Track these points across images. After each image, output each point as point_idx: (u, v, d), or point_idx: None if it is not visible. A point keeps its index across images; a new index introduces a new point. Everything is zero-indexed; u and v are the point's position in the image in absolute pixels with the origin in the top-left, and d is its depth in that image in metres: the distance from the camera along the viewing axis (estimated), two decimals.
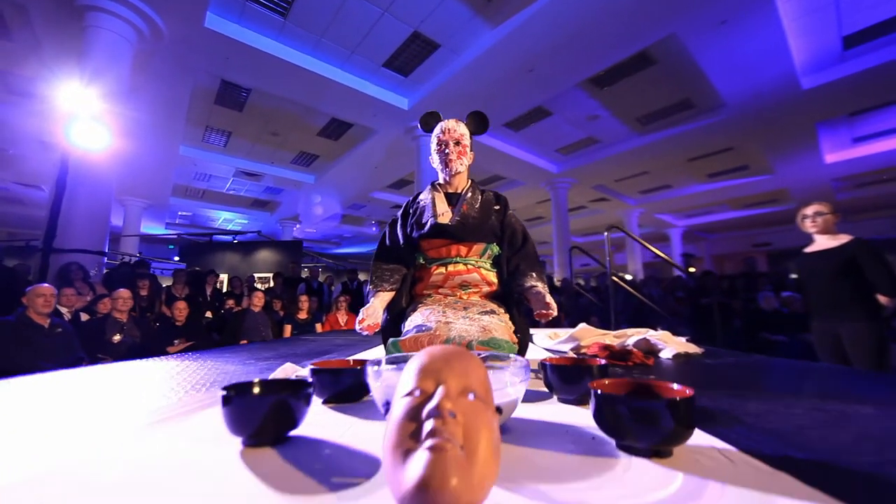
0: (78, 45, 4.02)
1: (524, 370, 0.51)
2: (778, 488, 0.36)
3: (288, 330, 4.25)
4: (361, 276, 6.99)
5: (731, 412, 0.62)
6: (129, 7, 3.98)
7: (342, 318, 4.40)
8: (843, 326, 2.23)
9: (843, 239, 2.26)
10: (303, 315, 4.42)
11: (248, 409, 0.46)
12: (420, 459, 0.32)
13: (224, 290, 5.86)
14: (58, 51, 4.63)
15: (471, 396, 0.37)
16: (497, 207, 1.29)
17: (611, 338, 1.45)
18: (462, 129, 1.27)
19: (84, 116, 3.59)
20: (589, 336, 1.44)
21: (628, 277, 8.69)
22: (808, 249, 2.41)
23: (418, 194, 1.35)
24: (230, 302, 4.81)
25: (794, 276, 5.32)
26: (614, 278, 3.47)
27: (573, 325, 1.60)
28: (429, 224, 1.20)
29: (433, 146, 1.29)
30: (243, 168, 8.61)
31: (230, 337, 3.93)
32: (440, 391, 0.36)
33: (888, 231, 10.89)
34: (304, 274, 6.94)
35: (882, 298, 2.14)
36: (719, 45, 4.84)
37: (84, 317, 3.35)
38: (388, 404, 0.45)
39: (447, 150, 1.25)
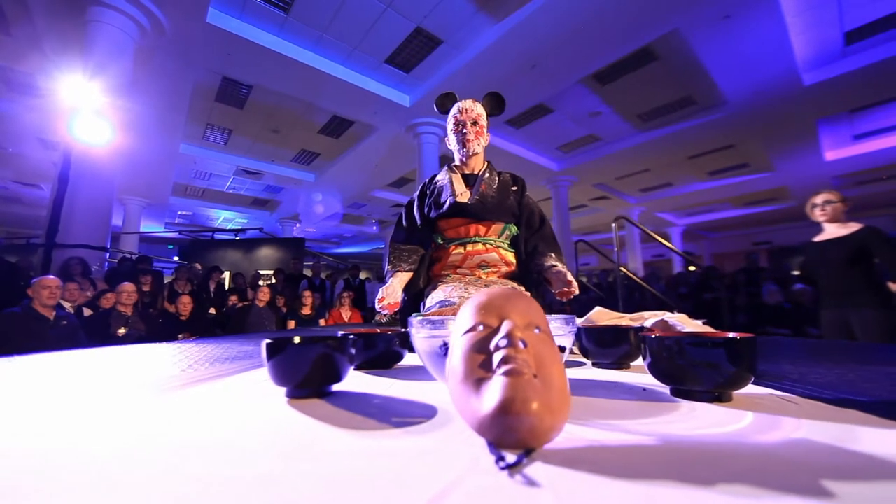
0: (80, 39, 3.99)
1: (570, 321, 0.50)
2: (853, 420, 0.35)
3: (292, 325, 4.23)
4: (363, 275, 6.97)
5: (772, 373, 0.61)
6: (132, 2, 3.96)
7: (346, 313, 4.38)
8: (854, 314, 2.22)
9: (853, 227, 2.25)
10: (306, 311, 4.40)
11: (296, 357, 0.45)
12: (497, 384, 0.31)
13: (227, 286, 5.84)
14: (59, 45, 4.59)
15: (536, 331, 0.36)
16: (515, 188, 1.28)
17: (627, 320, 1.44)
18: (479, 110, 1.26)
19: (87, 110, 3.56)
20: (605, 318, 1.43)
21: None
22: (818, 238, 2.40)
23: (434, 176, 1.34)
24: (233, 298, 4.79)
25: (795, 272, 5.32)
26: (622, 269, 3.46)
27: None
28: (448, 203, 1.19)
29: (450, 126, 1.28)
30: (244, 166, 8.57)
31: (234, 332, 3.91)
32: (507, 324, 0.35)
33: (889, 229, 10.90)
34: (307, 272, 6.92)
35: (893, 286, 2.14)
36: (722, 41, 4.84)
37: (87, 312, 3.33)
38: (445, 346, 0.44)
39: (465, 130, 1.24)
